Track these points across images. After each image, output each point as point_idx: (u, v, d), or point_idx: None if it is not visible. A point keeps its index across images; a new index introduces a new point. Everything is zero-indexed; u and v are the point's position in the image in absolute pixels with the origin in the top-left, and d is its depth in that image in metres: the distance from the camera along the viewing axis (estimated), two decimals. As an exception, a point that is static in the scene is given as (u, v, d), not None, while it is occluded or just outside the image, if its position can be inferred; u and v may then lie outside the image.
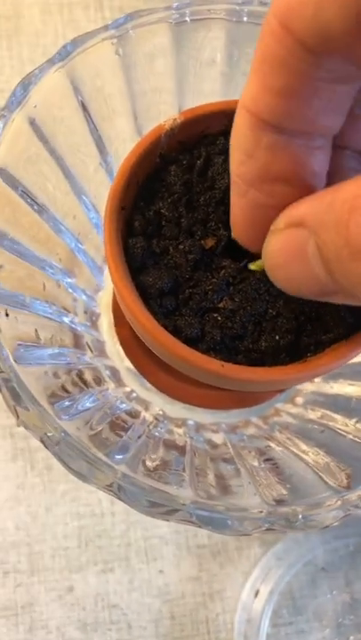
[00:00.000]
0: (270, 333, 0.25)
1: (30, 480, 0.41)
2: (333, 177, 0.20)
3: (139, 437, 0.28)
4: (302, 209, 0.18)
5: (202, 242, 0.27)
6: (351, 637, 0.40)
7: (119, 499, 0.22)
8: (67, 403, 0.25)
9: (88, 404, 0.27)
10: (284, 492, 0.24)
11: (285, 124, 0.18)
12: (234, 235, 0.23)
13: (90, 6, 0.51)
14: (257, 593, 0.40)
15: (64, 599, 0.39)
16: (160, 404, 0.34)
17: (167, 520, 0.22)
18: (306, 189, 0.19)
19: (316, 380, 0.34)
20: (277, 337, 0.25)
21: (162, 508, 0.22)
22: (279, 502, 0.24)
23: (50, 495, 0.41)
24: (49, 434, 0.22)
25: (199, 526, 0.22)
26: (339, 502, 0.23)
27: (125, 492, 0.22)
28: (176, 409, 0.34)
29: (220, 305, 0.25)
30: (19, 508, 0.40)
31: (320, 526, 0.22)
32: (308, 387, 0.33)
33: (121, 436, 0.26)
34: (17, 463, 0.41)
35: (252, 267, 0.25)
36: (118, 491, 0.23)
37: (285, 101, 0.17)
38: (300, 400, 0.33)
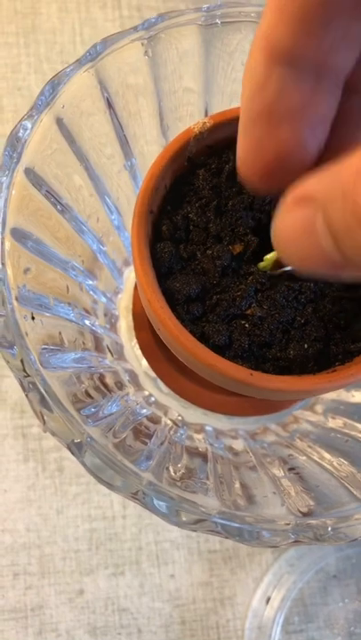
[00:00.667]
0: (299, 342, 0.24)
1: (42, 481, 0.40)
2: (342, 123, 0.20)
3: (161, 444, 0.27)
4: (310, 184, 0.18)
5: (230, 247, 0.26)
6: (362, 646, 0.40)
7: (145, 507, 0.22)
8: (92, 409, 0.25)
9: (113, 409, 0.26)
10: (311, 502, 0.24)
11: (298, 55, 0.18)
12: (238, 167, 0.22)
13: (107, 4, 0.51)
14: (268, 599, 0.40)
15: (74, 602, 0.39)
16: (177, 408, 0.34)
17: (194, 530, 0.22)
18: (310, 134, 0.19)
19: (336, 387, 0.33)
20: (306, 345, 0.24)
21: (188, 517, 0.22)
22: (306, 514, 0.23)
23: (61, 497, 0.40)
24: (76, 440, 0.22)
25: (226, 537, 0.22)
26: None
27: (151, 501, 0.22)
28: (193, 414, 0.34)
29: (248, 312, 0.25)
30: (30, 509, 0.40)
31: (348, 540, 0.22)
32: (328, 395, 0.33)
33: (145, 444, 0.26)
34: (28, 464, 0.40)
35: (260, 265, 0.25)
36: (144, 499, 0.23)
37: (300, 29, 0.18)
38: (319, 408, 0.33)
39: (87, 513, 0.40)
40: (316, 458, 0.28)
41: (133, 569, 0.40)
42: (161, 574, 0.40)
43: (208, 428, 0.33)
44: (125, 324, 0.34)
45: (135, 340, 0.34)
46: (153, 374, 0.34)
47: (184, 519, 0.22)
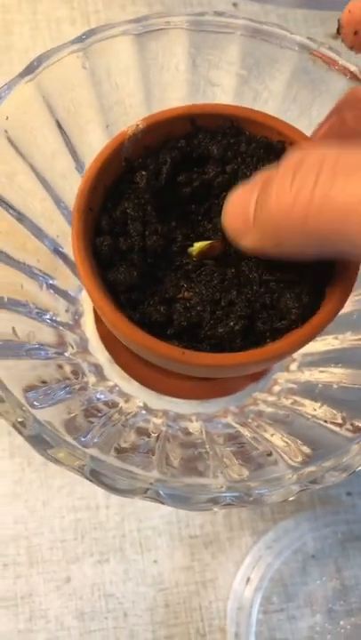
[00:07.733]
0: (225, 320, 0.26)
1: (28, 476, 0.42)
2: None
3: (113, 426, 0.29)
4: (266, 173, 0.23)
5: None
6: (341, 622, 0.41)
7: (89, 480, 0.24)
8: (42, 392, 0.27)
9: (64, 395, 0.28)
10: (247, 472, 0.26)
11: None
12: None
13: (77, 21, 0.53)
14: (248, 580, 0.41)
15: (62, 589, 0.41)
16: (144, 397, 0.35)
17: (132, 497, 0.24)
18: None
19: (292, 368, 0.35)
20: (232, 323, 0.26)
21: (126, 485, 0.23)
22: (239, 482, 0.25)
23: (47, 490, 0.42)
24: (19, 419, 0.24)
25: (161, 502, 0.23)
26: (295, 477, 0.24)
27: (95, 475, 0.24)
28: (159, 401, 0.35)
29: (180, 296, 0.27)
30: (17, 503, 0.42)
31: (276, 501, 0.23)
32: (284, 375, 0.35)
33: (92, 422, 0.28)
34: (14, 460, 0.42)
35: (189, 250, 0.28)
36: (90, 475, 0.24)
37: None
38: (276, 389, 0.35)
39: (72, 504, 0.42)
40: (262, 433, 0.30)
41: (118, 556, 0.41)
42: (144, 560, 0.42)
43: (171, 413, 0.34)
44: (90, 319, 0.36)
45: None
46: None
47: (122, 487, 0.23)
